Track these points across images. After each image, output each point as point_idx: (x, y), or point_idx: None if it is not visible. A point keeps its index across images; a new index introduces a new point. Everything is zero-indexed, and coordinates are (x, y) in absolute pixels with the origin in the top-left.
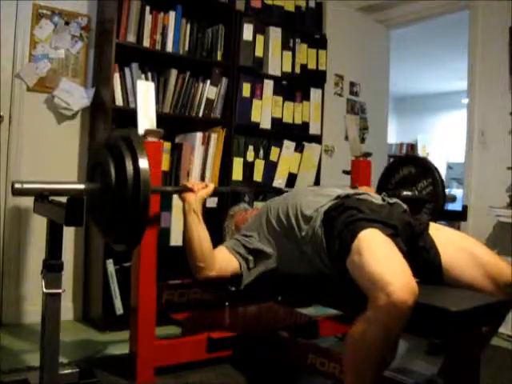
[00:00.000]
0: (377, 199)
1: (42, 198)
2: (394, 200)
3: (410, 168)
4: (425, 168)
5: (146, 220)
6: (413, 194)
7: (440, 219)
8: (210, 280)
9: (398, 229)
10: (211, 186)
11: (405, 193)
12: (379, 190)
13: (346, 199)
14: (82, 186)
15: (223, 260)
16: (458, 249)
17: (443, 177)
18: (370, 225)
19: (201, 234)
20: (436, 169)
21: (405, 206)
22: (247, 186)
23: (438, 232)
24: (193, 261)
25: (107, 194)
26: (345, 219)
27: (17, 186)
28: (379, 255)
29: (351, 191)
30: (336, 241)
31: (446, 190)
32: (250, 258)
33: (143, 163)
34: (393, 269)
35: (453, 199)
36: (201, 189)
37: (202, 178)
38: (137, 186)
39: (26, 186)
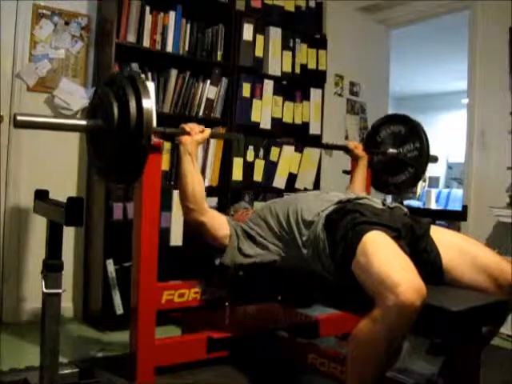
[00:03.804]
0: (377, 204)
1: (41, 196)
2: (394, 204)
3: (400, 127)
4: (415, 132)
5: (147, 158)
6: (398, 153)
7: (415, 184)
8: (198, 224)
9: (400, 231)
10: (207, 132)
11: (391, 150)
12: (367, 142)
13: (347, 203)
14: (83, 123)
15: (217, 219)
16: (459, 250)
17: (443, 177)
18: (373, 227)
19: (194, 176)
20: (425, 135)
21: (405, 210)
22: (241, 135)
23: (439, 234)
24: (185, 202)
25: (109, 131)
26: (348, 222)
27: (19, 117)
28: (386, 256)
29: (352, 196)
30: (340, 244)
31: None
32: (243, 238)
33: (146, 102)
34: (401, 270)
35: (435, 160)
36: (198, 132)
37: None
38: (139, 125)
39: (27, 118)
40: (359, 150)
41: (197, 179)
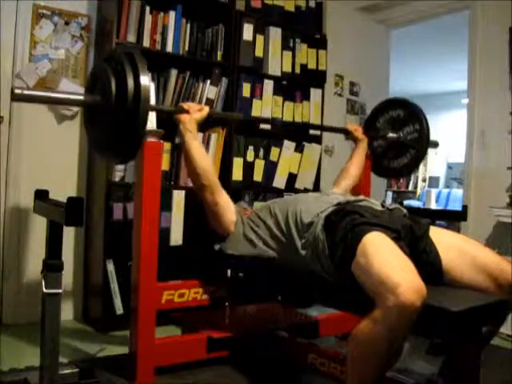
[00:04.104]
0: (377, 205)
1: (41, 196)
2: (393, 206)
3: (399, 111)
4: (414, 114)
5: (144, 134)
6: (398, 136)
7: (416, 166)
8: (212, 204)
9: (400, 232)
10: (206, 109)
11: (391, 134)
12: (366, 127)
13: (346, 205)
14: (81, 98)
15: (228, 201)
16: (458, 250)
17: (443, 177)
18: (373, 228)
19: (200, 150)
20: (425, 117)
21: (405, 211)
22: (241, 115)
23: (438, 235)
24: (196, 179)
25: (106, 106)
26: (347, 224)
27: (17, 91)
28: (386, 257)
29: (352, 198)
30: (339, 245)
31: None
32: (248, 227)
33: (144, 79)
34: (401, 270)
35: (436, 145)
36: (196, 111)
37: None
38: (137, 101)
39: (26, 92)
40: (359, 132)
41: (203, 153)
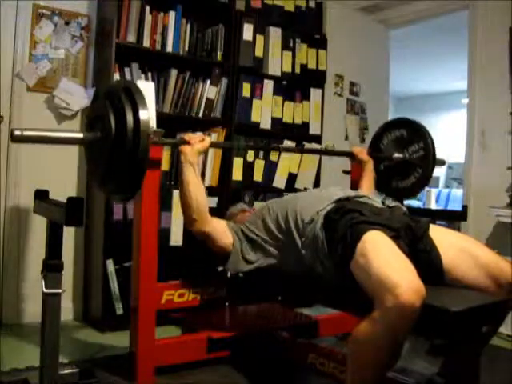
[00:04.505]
0: (377, 202)
1: (41, 196)
2: (394, 203)
3: (402, 131)
4: (418, 132)
5: (145, 170)
6: (404, 156)
7: (426, 184)
8: (202, 235)
9: (400, 231)
10: (208, 140)
11: (396, 155)
12: (371, 150)
13: (346, 202)
14: (81, 135)
15: (219, 227)
16: (459, 250)
17: (443, 177)
18: (373, 227)
19: (197, 185)
20: (429, 134)
21: (405, 209)
22: (243, 142)
23: (439, 234)
24: (187, 213)
25: (106, 143)
26: (347, 222)
27: (17, 132)
28: (385, 257)
29: (352, 194)
30: (339, 244)
31: (445, 192)
32: (246, 245)
33: (143, 114)
34: (400, 270)
35: (443, 163)
36: (198, 142)
37: (202, 178)
38: (137, 136)
39: (25, 133)
40: (364, 154)
41: (199, 189)
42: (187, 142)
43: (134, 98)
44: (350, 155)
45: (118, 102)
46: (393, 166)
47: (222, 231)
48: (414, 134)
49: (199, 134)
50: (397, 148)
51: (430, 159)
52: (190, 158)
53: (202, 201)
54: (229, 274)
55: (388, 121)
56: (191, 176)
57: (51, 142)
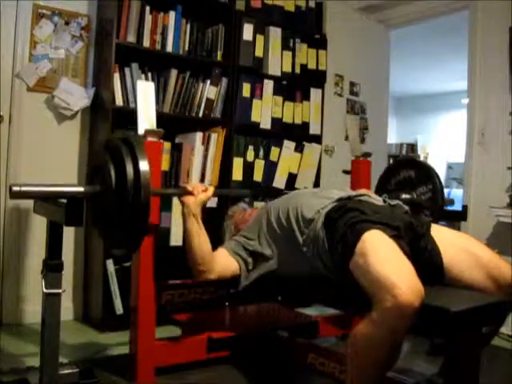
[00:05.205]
0: (378, 201)
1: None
2: (395, 202)
3: (410, 171)
4: (426, 173)
5: (147, 223)
6: (412, 197)
7: (440, 219)
8: (213, 281)
9: (400, 230)
10: (211, 190)
11: (404, 196)
12: (378, 191)
13: (347, 201)
14: (81, 189)
15: (223, 263)
16: (460, 249)
17: (443, 177)
18: (373, 226)
19: (201, 237)
20: (437, 176)
21: (406, 208)
22: (247, 189)
23: (440, 233)
24: (193, 265)
25: (107, 197)
26: (347, 221)
27: (15, 188)
28: (385, 257)
29: (353, 193)
30: (339, 243)
31: (445, 192)
32: (250, 260)
33: (143, 166)
34: (399, 270)
35: (451, 202)
36: (201, 192)
37: (202, 178)
38: (137, 189)
39: (24, 188)
40: None
41: (204, 240)
42: (190, 193)
43: (134, 150)
44: None
45: (118, 154)
46: None
47: (227, 265)
48: (422, 175)
49: (201, 184)
50: (405, 188)
51: (438, 201)
52: (193, 209)
53: (207, 251)
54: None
55: (394, 161)
56: (195, 228)
57: (51, 197)
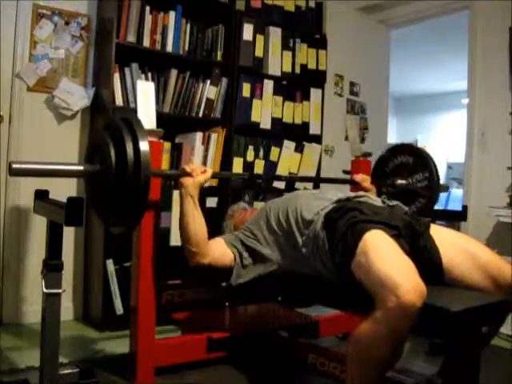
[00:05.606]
0: (377, 202)
1: (41, 196)
2: (394, 202)
3: (408, 157)
4: (423, 161)
5: (146, 202)
6: (407, 183)
7: (436, 217)
8: (203, 267)
9: (400, 229)
10: (209, 172)
11: (400, 181)
12: (375, 174)
13: (346, 202)
14: (81, 168)
15: (218, 250)
16: (459, 249)
17: (443, 177)
18: (373, 226)
19: (196, 219)
20: (434, 164)
21: (405, 208)
22: (247, 174)
23: (439, 234)
24: (187, 245)
25: (107, 175)
26: (347, 221)
27: (15, 166)
28: (386, 256)
29: (352, 194)
30: (340, 244)
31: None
32: (246, 254)
33: (143, 145)
34: (401, 270)
35: (446, 189)
36: (199, 174)
37: None
38: (137, 168)
39: (24, 166)
40: (367, 183)
41: (199, 222)
42: (189, 174)
43: (134, 129)
44: (353, 183)
45: (118, 133)
46: (395, 192)
47: (221, 254)
48: (419, 162)
49: (200, 166)
50: (401, 174)
51: (434, 189)
52: (191, 191)
53: (202, 234)
54: (233, 285)
55: (392, 146)
56: (192, 209)
57: (51, 175)
